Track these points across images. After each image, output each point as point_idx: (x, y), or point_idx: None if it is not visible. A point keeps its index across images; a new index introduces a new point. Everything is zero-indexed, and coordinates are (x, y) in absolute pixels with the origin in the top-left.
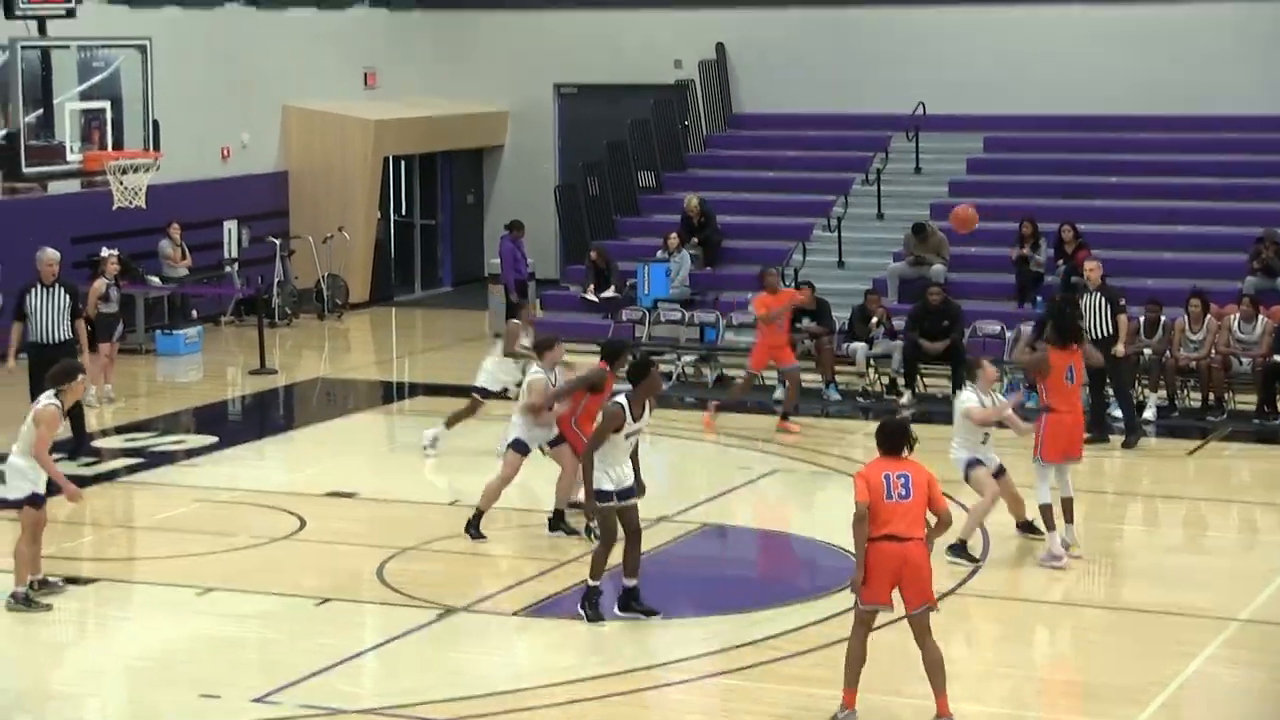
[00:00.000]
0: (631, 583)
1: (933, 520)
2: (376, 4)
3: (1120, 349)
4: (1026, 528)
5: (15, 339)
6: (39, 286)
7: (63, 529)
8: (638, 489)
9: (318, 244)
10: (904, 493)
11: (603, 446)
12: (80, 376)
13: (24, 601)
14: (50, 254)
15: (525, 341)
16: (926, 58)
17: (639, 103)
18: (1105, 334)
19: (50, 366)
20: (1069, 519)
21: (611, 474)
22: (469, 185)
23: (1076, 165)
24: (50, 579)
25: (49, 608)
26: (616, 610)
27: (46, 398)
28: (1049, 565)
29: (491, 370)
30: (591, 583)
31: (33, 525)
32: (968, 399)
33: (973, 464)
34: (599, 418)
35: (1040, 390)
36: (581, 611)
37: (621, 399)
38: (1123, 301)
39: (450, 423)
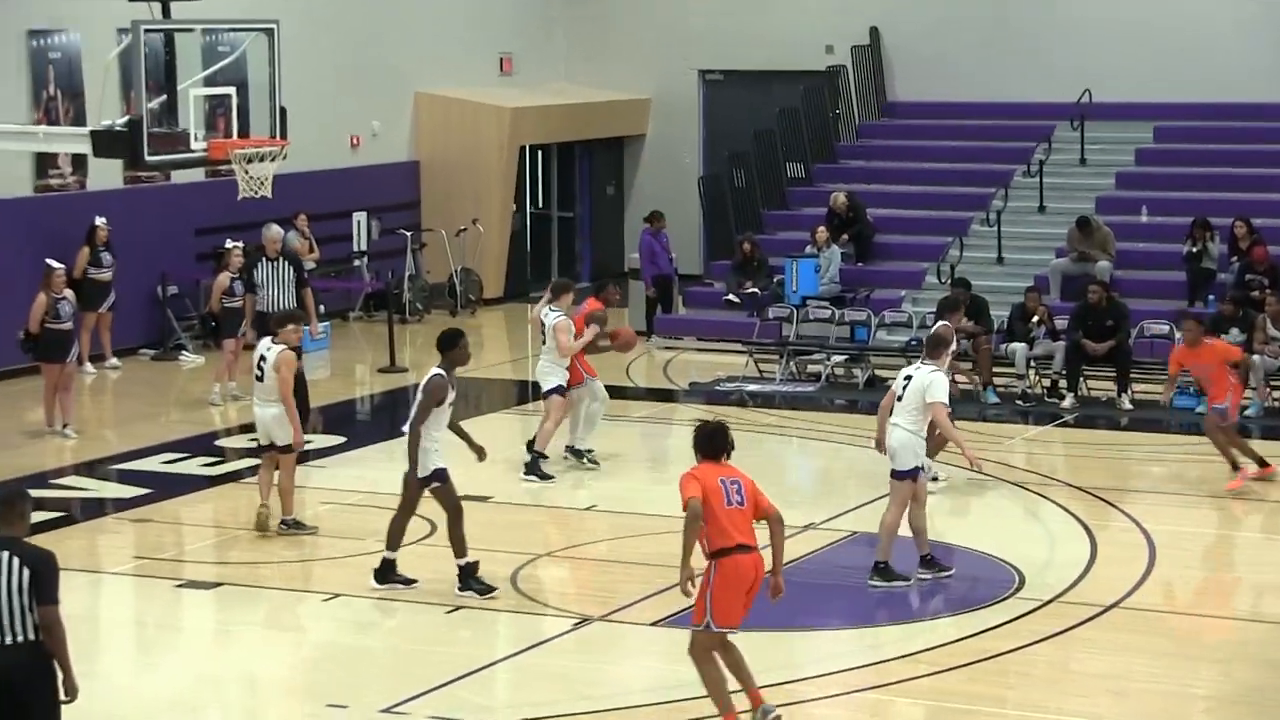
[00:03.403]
0: (463, 561)
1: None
2: None
3: None
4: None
5: (249, 310)
6: (264, 260)
7: (188, 530)
8: (478, 452)
9: (450, 237)
10: (739, 500)
11: (430, 420)
12: (296, 322)
13: (294, 525)
14: (275, 230)
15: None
16: (1094, 42)
17: (788, 90)
18: None
19: None
20: None
21: (436, 450)
22: (609, 176)
23: (1252, 156)
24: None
25: (316, 529)
26: (457, 590)
27: (270, 346)
28: None
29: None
30: (390, 555)
31: (291, 466)
32: (941, 385)
33: (914, 473)
34: (423, 393)
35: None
36: (381, 584)
37: (440, 370)
38: None
39: None
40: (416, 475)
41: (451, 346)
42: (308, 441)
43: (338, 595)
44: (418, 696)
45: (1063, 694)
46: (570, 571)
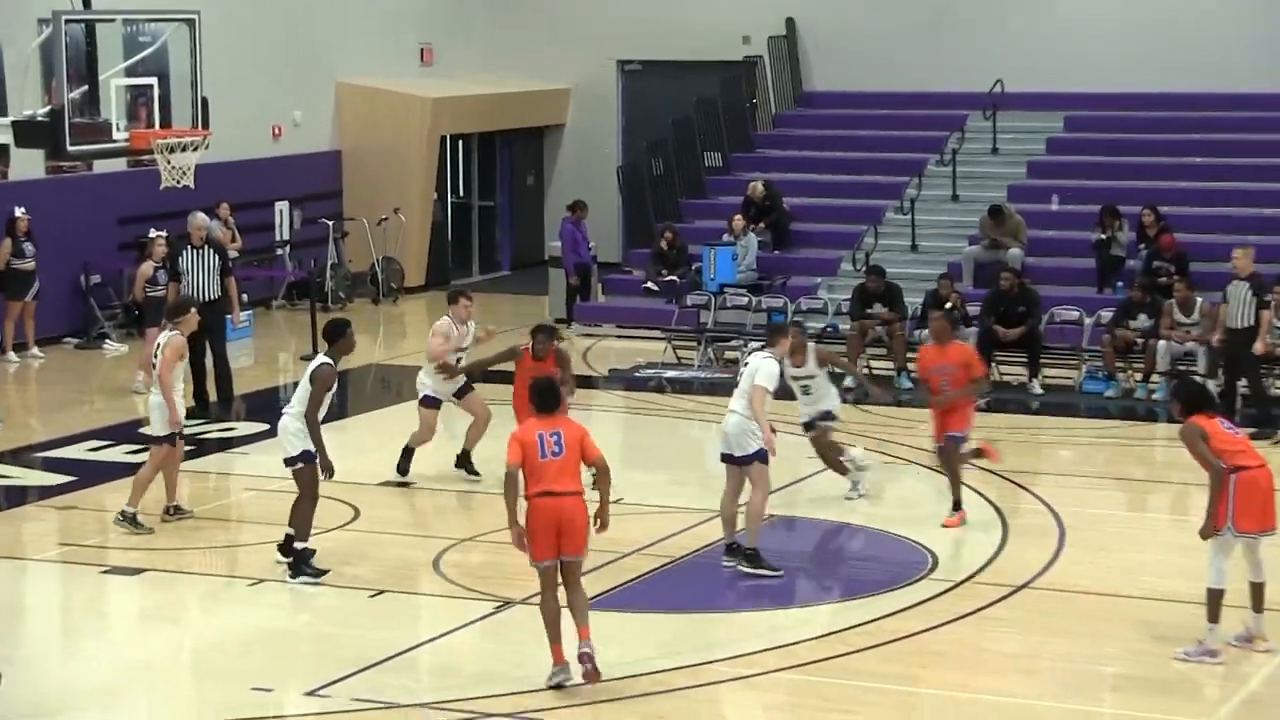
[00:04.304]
0: (301, 546)
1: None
2: None
3: (1259, 345)
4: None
5: (172, 299)
6: (190, 248)
7: (112, 517)
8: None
9: (372, 226)
10: (556, 449)
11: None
12: (193, 310)
13: (131, 521)
14: (200, 218)
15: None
16: (1005, 34)
17: (706, 80)
18: (1246, 325)
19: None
20: (1258, 608)
21: (304, 433)
22: (529, 166)
23: (1160, 146)
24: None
25: (151, 530)
26: (288, 578)
27: (168, 331)
28: (1199, 660)
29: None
30: (301, 546)
31: (164, 460)
32: (766, 371)
33: (762, 455)
34: (313, 382)
35: (1204, 458)
36: (298, 580)
37: (329, 359)
38: (1269, 297)
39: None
40: (327, 460)
41: (339, 336)
42: (184, 425)
43: (262, 580)
44: (342, 679)
45: (975, 673)
46: (492, 556)
